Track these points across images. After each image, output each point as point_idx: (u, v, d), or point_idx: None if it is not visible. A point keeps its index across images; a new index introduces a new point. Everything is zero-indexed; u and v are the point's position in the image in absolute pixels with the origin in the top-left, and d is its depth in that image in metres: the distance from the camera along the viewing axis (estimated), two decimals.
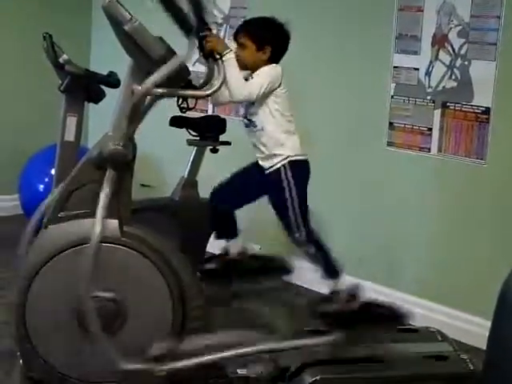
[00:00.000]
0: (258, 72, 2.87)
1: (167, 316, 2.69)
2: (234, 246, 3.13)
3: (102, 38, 5.05)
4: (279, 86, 2.86)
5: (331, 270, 2.88)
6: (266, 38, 2.87)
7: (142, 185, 4.45)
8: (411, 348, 2.97)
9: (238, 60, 2.80)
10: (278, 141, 2.89)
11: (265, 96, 2.84)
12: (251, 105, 2.90)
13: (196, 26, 2.62)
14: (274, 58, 2.91)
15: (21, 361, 2.69)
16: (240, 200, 3.10)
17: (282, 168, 2.86)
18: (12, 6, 4.85)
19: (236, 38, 2.94)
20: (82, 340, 2.60)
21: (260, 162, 2.96)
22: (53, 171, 4.14)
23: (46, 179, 4.39)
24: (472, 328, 3.25)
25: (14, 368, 2.73)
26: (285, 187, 2.85)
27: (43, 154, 4.56)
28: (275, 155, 2.89)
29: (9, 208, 4.86)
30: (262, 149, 2.92)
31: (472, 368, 2.79)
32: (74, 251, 2.60)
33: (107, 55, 4.78)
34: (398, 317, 2.89)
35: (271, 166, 2.89)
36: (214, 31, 2.90)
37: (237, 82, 2.77)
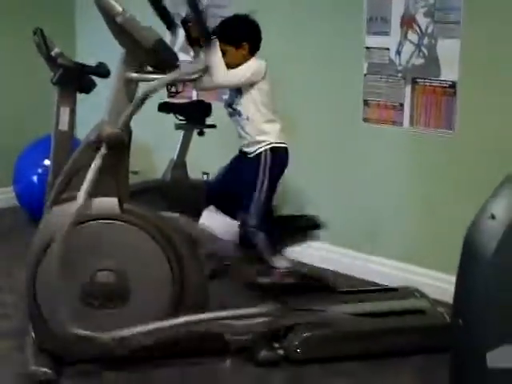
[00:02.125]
0: (242, 66, 3.09)
1: (167, 289, 2.87)
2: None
3: (86, 29, 5.20)
4: (262, 78, 3.09)
5: (273, 248, 3.09)
6: (240, 36, 3.10)
7: (132, 172, 4.63)
8: (392, 304, 3.22)
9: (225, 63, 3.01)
10: (261, 130, 3.12)
11: (249, 86, 3.07)
12: (237, 94, 3.12)
13: (189, 18, 2.84)
14: (254, 48, 3.13)
15: (33, 333, 2.90)
16: (234, 194, 3.24)
17: (264, 152, 3.10)
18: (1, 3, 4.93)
19: None
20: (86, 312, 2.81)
21: (244, 149, 3.18)
22: (46, 162, 4.31)
23: (40, 170, 4.48)
24: (449, 287, 3.47)
25: (26, 343, 2.91)
26: (260, 169, 3.07)
27: (36, 146, 4.65)
28: (258, 142, 3.12)
29: (3, 200, 4.93)
30: (247, 136, 3.15)
31: (448, 320, 3.03)
32: (77, 229, 2.79)
33: (92, 46, 4.96)
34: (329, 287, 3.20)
35: (254, 151, 3.12)
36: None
37: (219, 69, 2.99)
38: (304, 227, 3.36)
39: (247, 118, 3.12)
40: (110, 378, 2.83)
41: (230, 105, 3.19)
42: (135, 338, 2.75)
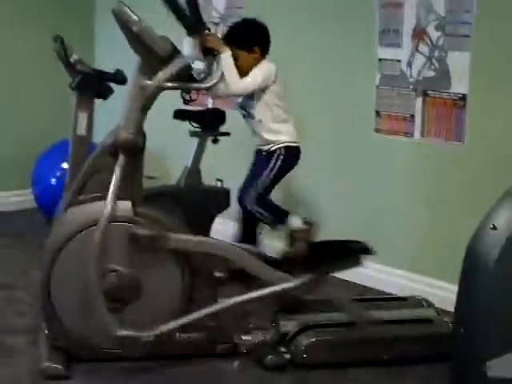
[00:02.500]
0: (253, 70, 3.17)
1: (177, 289, 2.96)
2: None
3: (105, 36, 5.32)
4: (273, 82, 3.17)
5: (279, 217, 3.18)
6: (251, 40, 3.18)
7: (148, 177, 4.72)
8: (400, 313, 3.26)
9: (236, 68, 3.10)
10: (274, 130, 3.20)
11: (260, 91, 3.15)
12: (250, 99, 3.20)
13: (193, 26, 2.92)
14: (264, 51, 3.22)
15: (46, 330, 2.98)
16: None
17: (278, 150, 3.18)
18: (22, 9, 5.06)
19: None
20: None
21: (259, 147, 3.27)
22: (64, 165, 4.42)
23: (58, 173, 4.59)
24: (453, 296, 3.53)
25: (39, 340, 3.01)
26: (271, 162, 3.17)
27: (54, 150, 4.77)
28: (272, 141, 3.20)
29: (23, 202, 5.06)
30: (261, 137, 3.23)
31: None
32: (92, 230, 2.88)
33: (111, 54, 5.07)
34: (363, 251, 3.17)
35: (269, 149, 3.21)
36: (213, 30, 3.20)
37: (233, 78, 3.07)
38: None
39: (260, 121, 3.20)
40: (120, 374, 2.90)
41: (242, 107, 3.28)
42: (175, 332, 2.87)
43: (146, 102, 2.90)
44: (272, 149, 3.20)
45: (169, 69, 2.78)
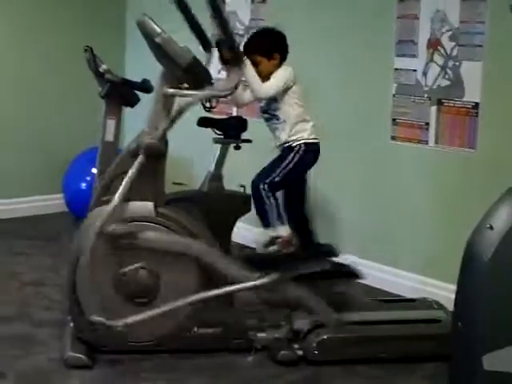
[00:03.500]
0: (274, 75, 3.34)
1: (194, 287, 3.10)
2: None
3: (135, 49, 5.52)
4: (294, 83, 3.34)
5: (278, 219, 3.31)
6: (271, 47, 3.36)
7: (175, 183, 4.88)
8: (411, 314, 3.37)
9: (257, 73, 3.27)
10: (297, 129, 3.37)
11: (283, 93, 3.32)
12: (274, 101, 3.37)
13: (224, 40, 3.09)
14: (283, 58, 3.38)
15: (71, 324, 3.16)
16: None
17: (298, 146, 3.34)
18: (56, 21, 5.31)
19: (247, 57, 3.40)
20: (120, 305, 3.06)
21: (279, 145, 3.42)
22: (94, 170, 4.61)
23: (88, 178, 4.78)
24: None
25: (64, 332, 3.18)
26: (290, 155, 3.31)
27: (84, 156, 4.98)
28: (293, 139, 3.36)
29: (54, 205, 5.25)
30: (283, 137, 3.39)
31: None
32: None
33: (140, 64, 5.26)
34: (330, 253, 3.33)
35: (290, 144, 3.35)
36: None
37: (256, 85, 3.25)
38: (322, 254, 3.43)
39: (284, 121, 3.37)
40: (139, 366, 3.05)
41: (266, 111, 3.44)
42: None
43: (168, 109, 3.05)
44: (293, 144, 3.35)
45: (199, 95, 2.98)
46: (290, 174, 3.32)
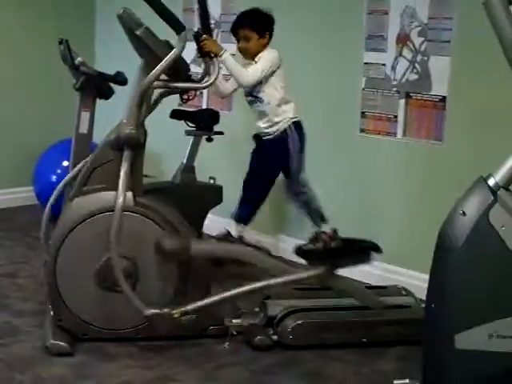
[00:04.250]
0: (259, 57, 3.42)
1: (173, 274, 3.16)
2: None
3: (104, 40, 5.55)
4: (278, 67, 3.43)
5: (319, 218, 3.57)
6: (264, 26, 3.48)
7: (144, 175, 4.91)
8: (383, 300, 3.48)
9: (243, 51, 3.35)
10: (281, 109, 3.51)
11: (268, 76, 3.41)
12: (258, 84, 3.45)
13: (200, 30, 3.14)
14: (269, 40, 3.49)
15: (51, 312, 3.18)
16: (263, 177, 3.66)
17: (288, 128, 3.46)
18: (24, 15, 5.28)
19: (237, 32, 3.46)
20: (101, 294, 3.10)
21: (263, 131, 3.51)
22: (65, 163, 4.62)
23: (59, 171, 4.78)
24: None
25: (45, 320, 3.21)
26: (290, 143, 3.44)
27: (55, 148, 4.97)
28: (277, 122, 3.47)
29: (24, 198, 5.25)
30: (268, 118, 3.48)
31: None
32: (95, 219, 3.10)
33: (110, 57, 5.29)
34: (373, 249, 3.37)
35: (277, 130, 3.45)
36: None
37: (241, 73, 3.34)
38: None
39: (268, 103, 3.46)
40: (118, 353, 3.10)
41: (249, 94, 3.52)
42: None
43: (141, 98, 3.09)
44: (282, 128, 3.45)
45: (160, 66, 2.93)
46: (301, 158, 3.52)
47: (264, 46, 3.45)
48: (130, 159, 3.06)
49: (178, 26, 2.96)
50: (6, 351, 3.05)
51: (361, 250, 3.29)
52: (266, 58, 3.41)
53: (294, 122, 3.48)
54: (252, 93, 3.49)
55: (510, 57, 2.36)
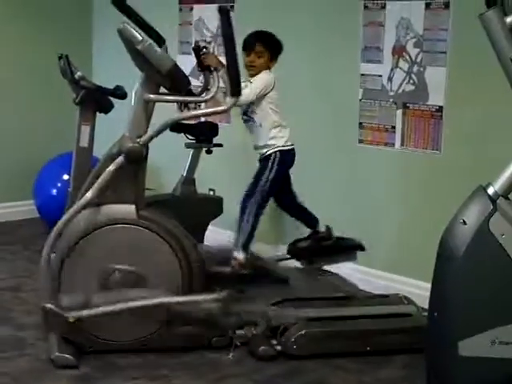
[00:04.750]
0: (255, 78, 3.47)
1: (177, 284, 3.20)
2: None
3: (102, 54, 5.58)
4: (272, 89, 3.47)
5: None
6: (277, 51, 3.53)
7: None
8: (383, 309, 3.51)
9: (251, 66, 3.40)
10: (272, 135, 3.53)
11: (261, 98, 3.46)
12: (251, 105, 3.50)
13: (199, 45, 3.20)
14: (272, 65, 3.56)
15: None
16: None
17: (273, 155, 3.50)
18: (23, 30, 5.32)
19: (253, 46, 3.51)
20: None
21: (258, 151, 3.57)
22: (65, 177, 4.65)
23: (59, 184, 4.81)
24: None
25: (49, 333, 3.20)
26: (268, 167, 3.48)
27: (55, 162, 4.98)
28: (269, 145, 3.52)
29: (25, 211, 5.27)
30: (260, 140, 3.54)
31: None
32: (97, 232, 3.14)
33: (107, 71, 5.33)
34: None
35: (265, 153, 3.51)
36: (210, 49, 3.50)
37: None
38: (349, 248, 3.67)
39: (260, 125, 3.51)
40: (122, 365, 3.12)
41: (245, 113, 3.57)
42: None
43: (149, 114, 3.14)
44: (268, 153, 3.51)
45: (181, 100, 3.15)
46: (271, 187, 3.50)
47: (267, 69, 3.51)
48: (121, 169, 3.09)
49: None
50: (12, 365, 3.07)
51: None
52: (261, 79, 3.48)
53: (281, 151, 3.53)
54: (246, 112, 3.56)
55: (504, 66, 2.42)
